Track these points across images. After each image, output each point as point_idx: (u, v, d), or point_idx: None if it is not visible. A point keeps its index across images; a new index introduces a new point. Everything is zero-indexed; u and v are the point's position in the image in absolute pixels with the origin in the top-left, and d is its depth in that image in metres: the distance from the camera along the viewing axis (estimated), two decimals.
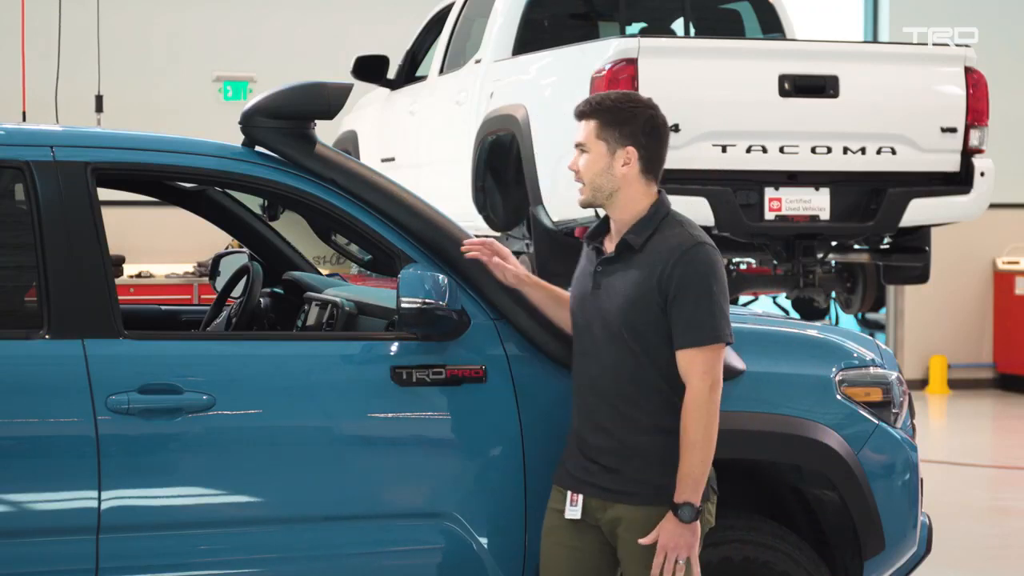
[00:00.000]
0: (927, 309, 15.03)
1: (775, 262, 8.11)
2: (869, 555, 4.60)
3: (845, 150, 7.69)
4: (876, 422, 4.61)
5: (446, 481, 4.25)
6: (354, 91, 4.62)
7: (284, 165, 4.37)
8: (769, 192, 7.63)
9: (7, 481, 3.93)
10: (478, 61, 8.90)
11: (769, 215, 7.64)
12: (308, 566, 4.14)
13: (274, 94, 4.41)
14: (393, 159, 9.99)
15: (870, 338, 4.93)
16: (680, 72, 7.35)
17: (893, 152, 7.75)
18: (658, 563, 3.87)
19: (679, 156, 7.18)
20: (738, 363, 4.37)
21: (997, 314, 15.22)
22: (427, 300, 4.09)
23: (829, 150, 7.68)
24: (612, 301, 3.97)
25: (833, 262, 8.48)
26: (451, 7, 9.76)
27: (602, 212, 4.11)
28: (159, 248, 13.00)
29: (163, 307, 6.12)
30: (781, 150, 7.61)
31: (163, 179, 5.43)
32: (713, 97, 7.40)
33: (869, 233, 7.95)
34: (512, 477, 4.26)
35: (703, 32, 9.27)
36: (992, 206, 8.38)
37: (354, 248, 8.02)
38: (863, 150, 7.71)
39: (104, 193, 4.32)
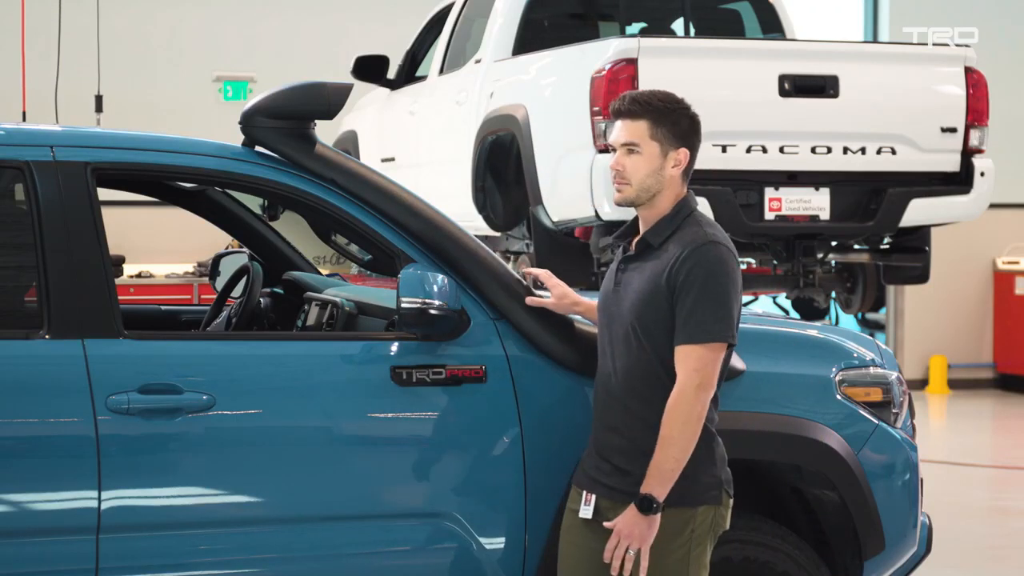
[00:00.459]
0: (927, 309, 15.02)
1: (775, 262, 8.12)
2: (869, 555, 4.60)
3: (845, 150, 7.69)
4: (876, 422, 4.61)
5: (446, 481, 4.25)
6: (354, 91, 4.62)
7: (284, 165, 4.37)
8: (769, 192, 7.64)
9: (7, 481, 3.93)
10: (478, 61, 8.91)
11: (769, 215, 7.65)
12: (308, 566, 4.14)
13: (274, 94, 4.40)
14: (393, 159, 9.99)
15: (870, 338, 4.93)
16: (680, 72, 7.35)
17: (893, 152, 7.76)
18: (610, 546, 3.88)
19: None
20: (738, 363, 4.36)
21: (997, 314, 15.22)
22: (427, 300, 4.09)
23: (829, 150, 7.68)
24: (628, 299, 3.97)
25: (833, 262, 8.49)
26: (451, 7, 9.76)
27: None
28: (159, 248, 12.99)
29: (163, 307, 6.11)
30: (781, 150, 7.62)
31: (163, 179, 5.42)
32: (713, 97, 7.40)
33: (869, 233, 7.96)
34: (512, 477, 4.26)
35: (703, 32, 9.27)
36: (992, 206, 8.39)
37: (354, 248, 8.02)
38: (863, 150, 7.71)
39: (104, 193, 4.32)
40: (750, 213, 7.60)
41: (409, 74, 10.24)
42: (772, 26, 9.29)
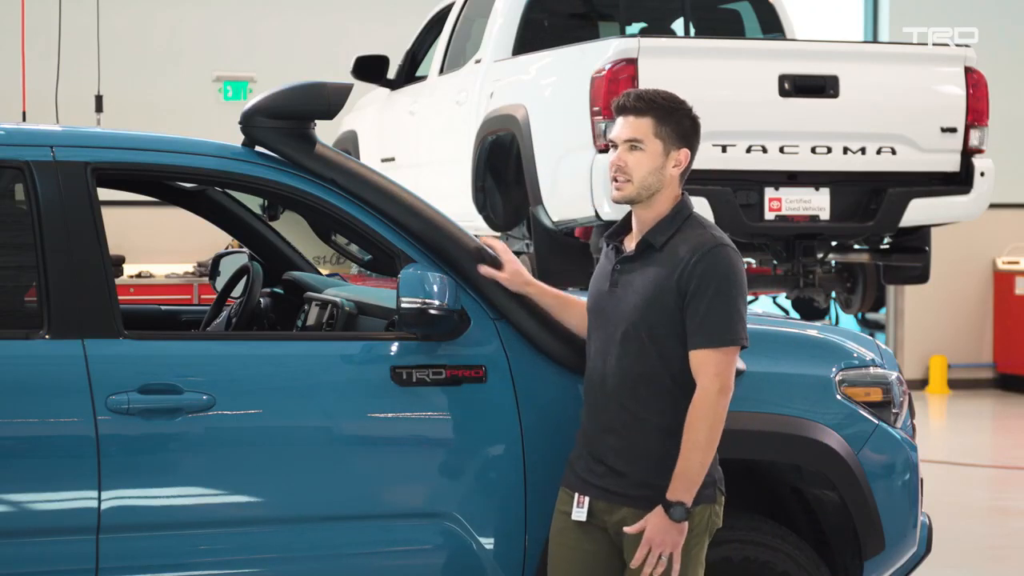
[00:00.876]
0: (927, 309, 15.02)
1: (775, 262, 8.12)
2: (869, 555, 4.60)
3: (845, 150, 7.69)
4: (876, 422, 4.61)
5: (446, 481, 4.25)
6: (354, 91, 4.62)
7: (284, 165, 4.37)
8: (769, 192, 7.64)
9: (7, 481, 3.93)
10: (478, 61, 8.91)
11: (769, 215, 7.65)
12: (308, 566, 4.14)
13: (274, 94, 4.40)
14: (393, 159, 10.00)
15: (870, 338, 4.93)
16: (680, 72, 7.35)
17: (893, 152, 7.76)
18: (641, 555, 3.85)
19: None
20: (738, 363, 4.35)
21: (997, 314, 15.22)
22: (427, 300, 4.09)
23: (829, 150, 7.68)
24: (629, 299, 3.95)
25: (833, 262, 8.49)
26: (451, 7, 9.76)
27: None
28: (159, 248, 13.00)
29: (163, 307, 6.11)
30: (781, 150, 7.62)
31: (163, 179, 5.42)
32: (713, 97, 7.40)
33: (869, 233, 7.96)
34: (512, 477, 4.26)
35: (703, 32, 9.27)
36: (992, 206, 8.39)
37: (354, 248, 8.02)
38: (863, 150, 7.71)
39: (104, 193, 4.32)
40: (750, 213, 7.60)
41: (409, 74, 10.24)
42: (772, 26, 9.29)
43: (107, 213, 4.22)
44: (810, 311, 9.71)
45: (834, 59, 7.74)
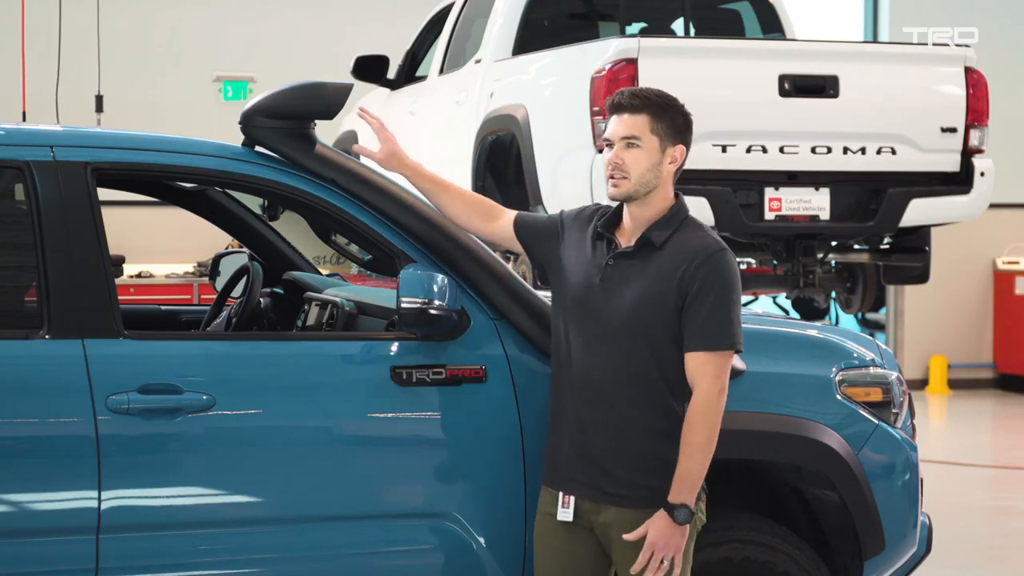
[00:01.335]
0: (927, 309, 15.03)
1: (775, 262, 8.12)
2: (869, 555, 4.60)
3: (845, 150, 7.70)
4: (876, 422, 4.61)
5: (446, 481, 4.25)
6: (354, 91, 4.62)
7: (284, 165, 4.37)
8: (769, 192, 7.64)
9: (7, 481, 3.93)
10: (478, 61, 8.91)
11: (769, 215, 7.65)
12: (308, 566, 4.14)
13: (274, 94, 4.40)
14: None
15: (870, 338, 4.93)
16: (680, 72, 7.35)
17: (893, 152, 7.76)
18: (643, 560, 3.84)
19: None
20: (738, 363, 4.36)
21: (997, 314, 15.22)
22: (427, 300, 4.09)
23: (829, 150, 7.68)
24: (625, 296, 3.93)
25: (833, 262, 8.49)
26: (451, 7, 9.76)
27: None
28: (159, 248, 13.00)
29: (163, 307, 6.11)
30: (781, 150, 7.62)
31: (163, 179, 5.42)
32: (713, 97, 7.41)
33: (869, 233, 7.96)
34: (512, 477, 4.25)
35: (703, 32, 9.28)
36: (992, 206, 8.40)
37: (354, 248, 8.02)
38: (863, 150, 7.72)
39: (104, 193, 4.32)
40: (750, 213, 7.60)
41: (409, 74, 10.25)
42: (772, 26, 9.30)
43: (107, 213, 4.21)
44: (810, 311, 9.72)
45: (834, 59, 7.75)
